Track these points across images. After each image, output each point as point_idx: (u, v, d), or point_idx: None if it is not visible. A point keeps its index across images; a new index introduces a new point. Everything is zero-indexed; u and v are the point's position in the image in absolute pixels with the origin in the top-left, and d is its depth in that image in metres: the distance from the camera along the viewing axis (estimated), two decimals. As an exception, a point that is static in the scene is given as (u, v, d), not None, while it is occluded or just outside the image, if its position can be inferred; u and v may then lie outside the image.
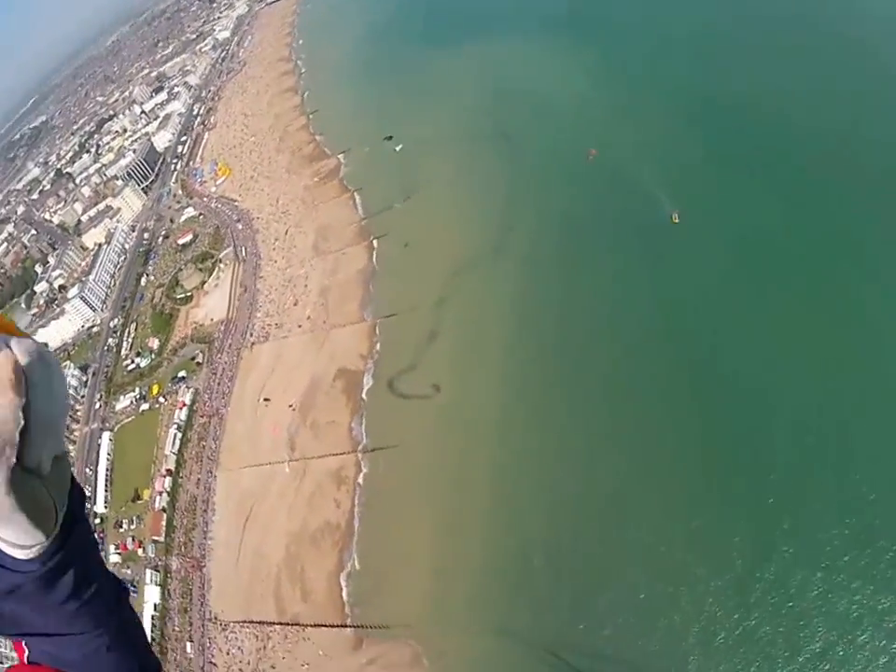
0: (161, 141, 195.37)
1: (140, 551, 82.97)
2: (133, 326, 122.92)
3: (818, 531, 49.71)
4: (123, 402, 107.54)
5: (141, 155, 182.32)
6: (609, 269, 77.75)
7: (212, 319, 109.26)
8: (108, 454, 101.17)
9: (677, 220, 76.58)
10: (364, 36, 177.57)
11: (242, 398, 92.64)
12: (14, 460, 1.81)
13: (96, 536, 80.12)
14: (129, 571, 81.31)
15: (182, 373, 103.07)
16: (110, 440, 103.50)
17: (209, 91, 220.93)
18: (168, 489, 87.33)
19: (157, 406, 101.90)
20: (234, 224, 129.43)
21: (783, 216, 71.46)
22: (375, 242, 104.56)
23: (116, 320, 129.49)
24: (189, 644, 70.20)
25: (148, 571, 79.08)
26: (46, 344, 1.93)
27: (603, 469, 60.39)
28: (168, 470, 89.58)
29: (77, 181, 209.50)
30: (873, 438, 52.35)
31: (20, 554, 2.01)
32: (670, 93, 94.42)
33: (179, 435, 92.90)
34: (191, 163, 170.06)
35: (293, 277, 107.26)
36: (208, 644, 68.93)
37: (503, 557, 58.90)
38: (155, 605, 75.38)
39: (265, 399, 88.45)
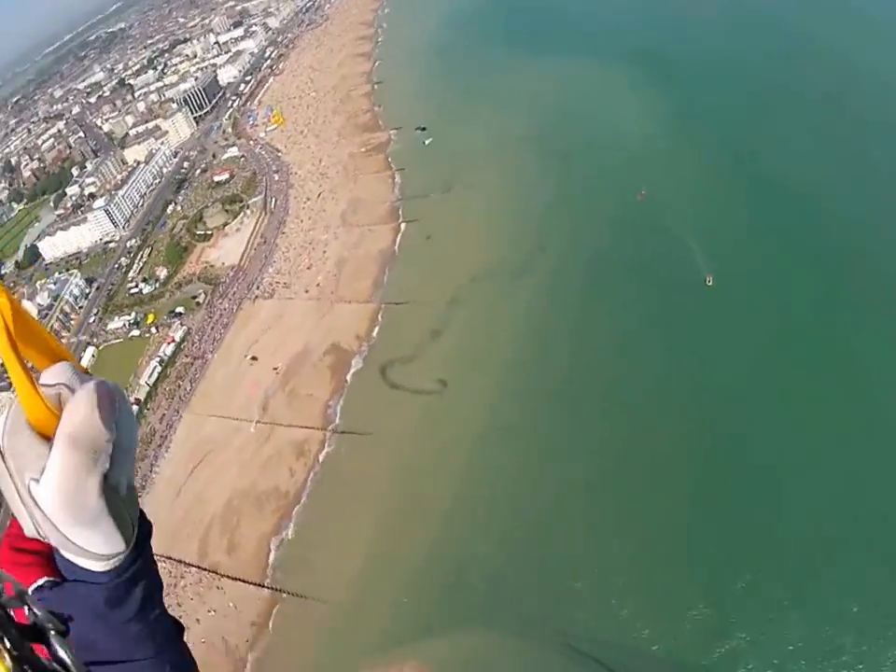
0: (226, 75, 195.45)
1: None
2: (148, 251, 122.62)
3: (784, 627, 47.41)
4: (116, 323, 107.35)
5: (202, 84, 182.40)
6: (632, 316, 74.48)
7: (223, 263, 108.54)
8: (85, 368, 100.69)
9: (710, 283, 73.57)
10: (449, 21, 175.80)
11: (231, 347, 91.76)
12: (107, 467, 1.97)
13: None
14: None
15: (180, 309, 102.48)
16: (93, 356, 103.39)
17: (285, 37, 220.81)
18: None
19: (147, 335, 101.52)
20: (272, 174, 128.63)
21: (823, 305, 68.68)
22: (403, 226, 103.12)
23: (133, 241, 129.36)
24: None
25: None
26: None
27: (578, 504, 58.54)
28: (137, 399, 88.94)
29: (136, 94, 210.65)
30: (878, 557, 49.55)
31: (97, 566, 2.12)
32: (735, 156, 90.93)
33: (159, 369, 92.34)
34: (248, 104, 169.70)
35: (314, 241, 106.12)
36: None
37: (444, 565, 57.33)
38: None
39: (252, 358, 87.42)
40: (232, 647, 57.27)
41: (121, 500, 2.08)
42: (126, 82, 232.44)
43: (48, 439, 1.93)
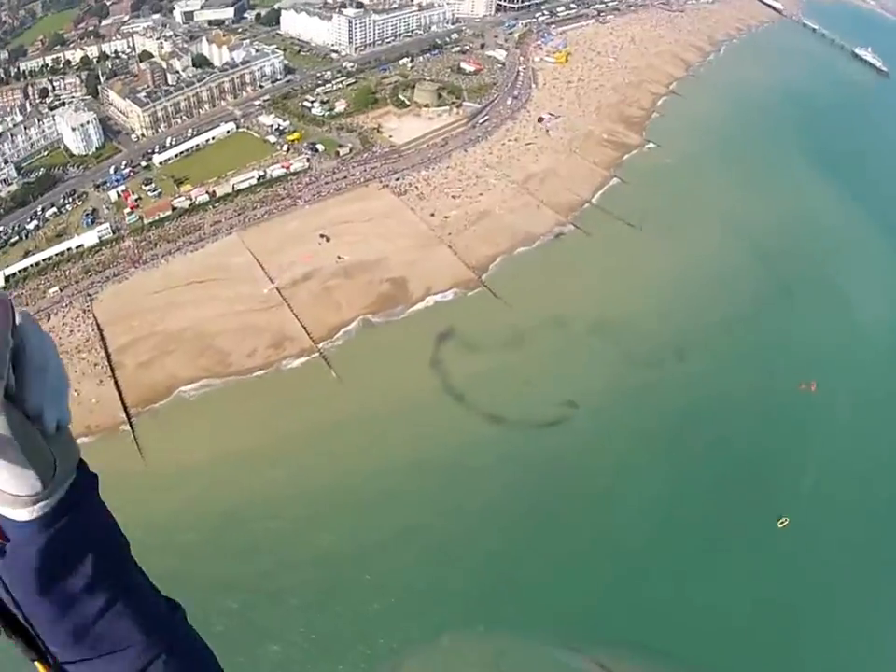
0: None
1: (128, 210, 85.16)
2: (350, 81, 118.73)
3: None
4: (267, 120, 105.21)
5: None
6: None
7: (391, 136, 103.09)
8: (213, 137, 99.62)
9: (783, 525, 60.73)
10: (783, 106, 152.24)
11: (323, 211, 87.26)
12: (4, 380, 1.73)
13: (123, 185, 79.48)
14: (105, 210, 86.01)
15: (320, 146, 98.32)
16: (227, 132, 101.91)
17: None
18: (197, 203, 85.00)
19: (277, 148, 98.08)
20: (507, 96, 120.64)
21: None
22: (568, 227, 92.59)
23: (350, 65, 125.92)
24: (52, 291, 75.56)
25: (108, 224, 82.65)
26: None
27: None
28: (213, 192, 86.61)
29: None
30: None
31: (16, 514, 1.85)
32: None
33: (254, 182, 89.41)
34: (553, 27, 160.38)
35: (482, 178, 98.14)
36: (64, 303, 72.92)
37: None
38: (80, 245, 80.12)
39: (324, 237, 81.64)
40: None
41: (43, 436, 1.80)
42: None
43: None
